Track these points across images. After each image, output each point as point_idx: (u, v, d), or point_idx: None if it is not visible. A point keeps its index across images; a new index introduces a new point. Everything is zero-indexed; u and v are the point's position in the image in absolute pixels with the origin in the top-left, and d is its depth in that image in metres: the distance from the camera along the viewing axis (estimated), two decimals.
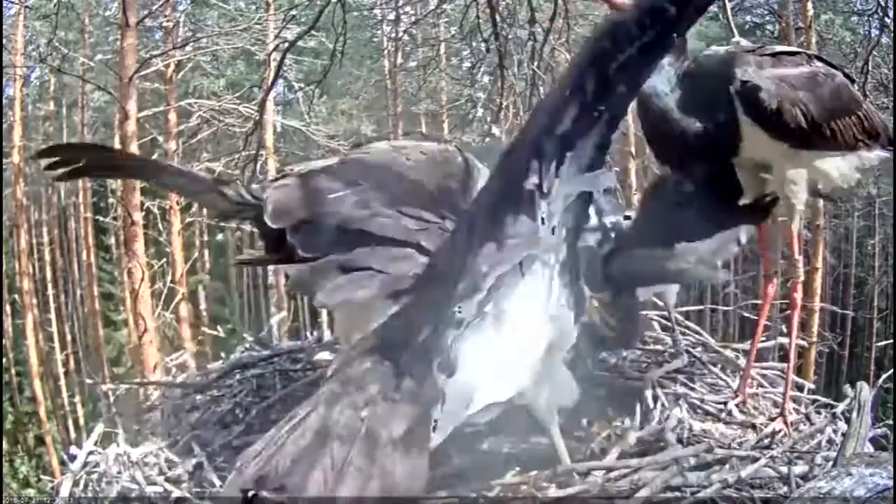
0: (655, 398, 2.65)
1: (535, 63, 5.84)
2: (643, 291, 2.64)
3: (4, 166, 14.82)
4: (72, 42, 13.61)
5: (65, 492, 2.48)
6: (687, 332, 3.21)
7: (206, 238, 17.84)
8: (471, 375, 1.67)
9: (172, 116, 13.19)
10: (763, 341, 3.28)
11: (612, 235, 2.38)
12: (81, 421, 14.62)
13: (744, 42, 2.63)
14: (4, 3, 9.69)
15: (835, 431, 2.51)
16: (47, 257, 17.38)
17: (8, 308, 15.25)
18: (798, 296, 2.63)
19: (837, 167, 2.51)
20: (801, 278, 2.64)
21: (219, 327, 5.53)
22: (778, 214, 2.62)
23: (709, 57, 2.44)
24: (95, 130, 16.72)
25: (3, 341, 14.52)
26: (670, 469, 2.07)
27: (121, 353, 15.89)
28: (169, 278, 11.68)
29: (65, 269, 18.09)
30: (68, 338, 17.18)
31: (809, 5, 10.99)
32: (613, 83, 1.55)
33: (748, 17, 13.78)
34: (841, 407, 2.60)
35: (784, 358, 3.07)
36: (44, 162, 2.13)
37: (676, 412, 2.54)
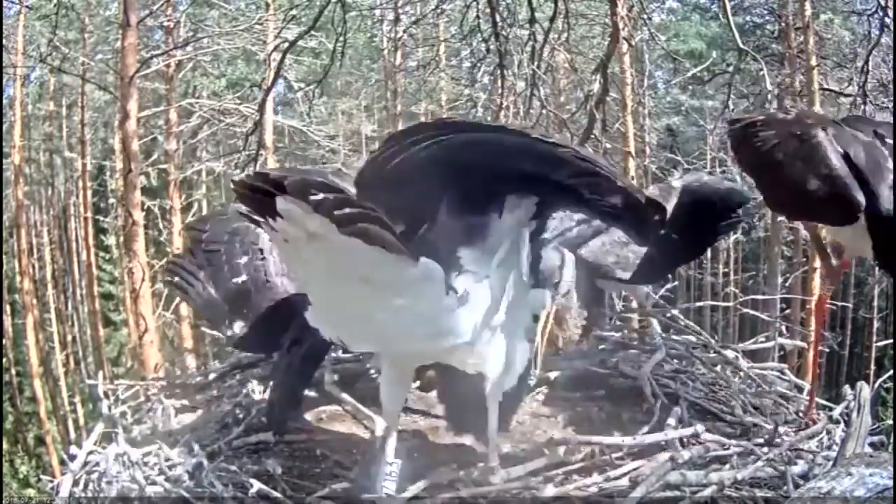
0: (655, 397, 2.65)
1: (535, 63, 5.83)
2: (611, 285, 2.71)
3: (4, 166, 14.82)
4: (72, 42, 13.60)
5: (65, 492, 2.48)
6: (687, 330, 3.22)
7: None
8: None
9: (173, 116, 13.18)
10: (763, 342, 3.32)
11: None
12: (81, 421, 14.62)
13: None
14: (4, 3, 9.69)
15: (834, 432, 2.52)
16: (47, 257, 17.38)
17: (8, 308, 15.25)
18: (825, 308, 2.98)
19: None
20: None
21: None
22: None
23: None
24: (95, 130, 16.73)
25: (3, 341, 14.51)
26: (665, 466, 2.08)
27: (121, 353, 15.89)
28: None
29: (65, 269, 18.08)
30: (68, 338, 17.17)
31: (808, 5, 10.97)
32: None
33: (748, 17, 13.76)
34: (840, 408, 2.60)
35: (783, 359, 3.14)
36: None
37: (676, 411, 2.55)
